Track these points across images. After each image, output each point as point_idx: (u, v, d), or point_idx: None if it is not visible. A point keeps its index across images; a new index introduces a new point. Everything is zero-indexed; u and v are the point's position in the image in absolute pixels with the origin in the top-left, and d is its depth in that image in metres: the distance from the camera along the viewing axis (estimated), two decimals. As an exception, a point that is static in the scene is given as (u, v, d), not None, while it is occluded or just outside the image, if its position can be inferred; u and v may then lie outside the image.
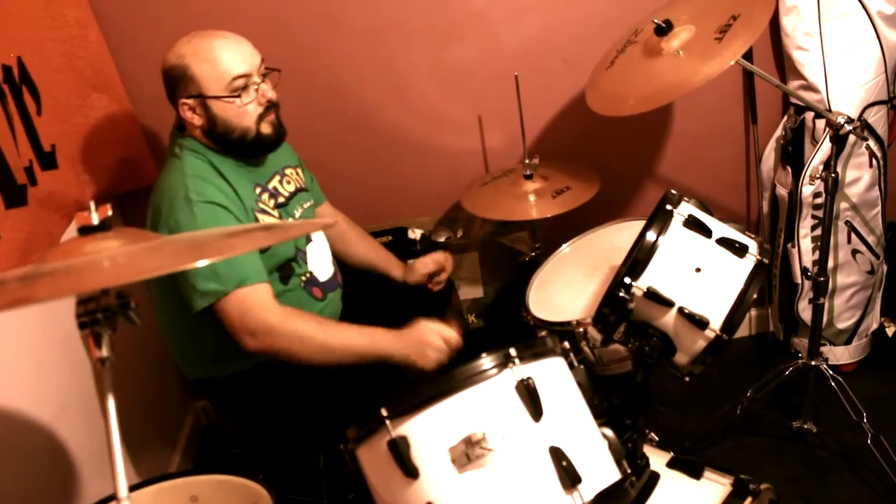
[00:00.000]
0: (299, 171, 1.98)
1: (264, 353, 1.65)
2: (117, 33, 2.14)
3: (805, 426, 2.14)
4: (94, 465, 1.82)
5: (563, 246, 2.07)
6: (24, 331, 1.71)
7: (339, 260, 2.06)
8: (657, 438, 1.92)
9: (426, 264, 2.11)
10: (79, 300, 0.93)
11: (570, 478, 1.14)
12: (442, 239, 2.39)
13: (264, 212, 1.78)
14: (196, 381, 1.91)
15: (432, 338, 1.70)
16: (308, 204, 1.96)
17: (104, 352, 0.92)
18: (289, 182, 1.90)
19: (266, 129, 1.73)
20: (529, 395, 1.18)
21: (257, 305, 1.64)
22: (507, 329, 2.31)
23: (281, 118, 1.78)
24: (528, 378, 1.19)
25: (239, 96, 1.67)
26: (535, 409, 1.17)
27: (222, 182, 1.70)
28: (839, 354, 2.43)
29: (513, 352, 1.20)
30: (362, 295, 2.06)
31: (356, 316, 1.84)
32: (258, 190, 1.80)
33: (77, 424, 1.79)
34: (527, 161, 2.15)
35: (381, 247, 2.20)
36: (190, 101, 1.68)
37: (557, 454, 1.15)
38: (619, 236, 2.00)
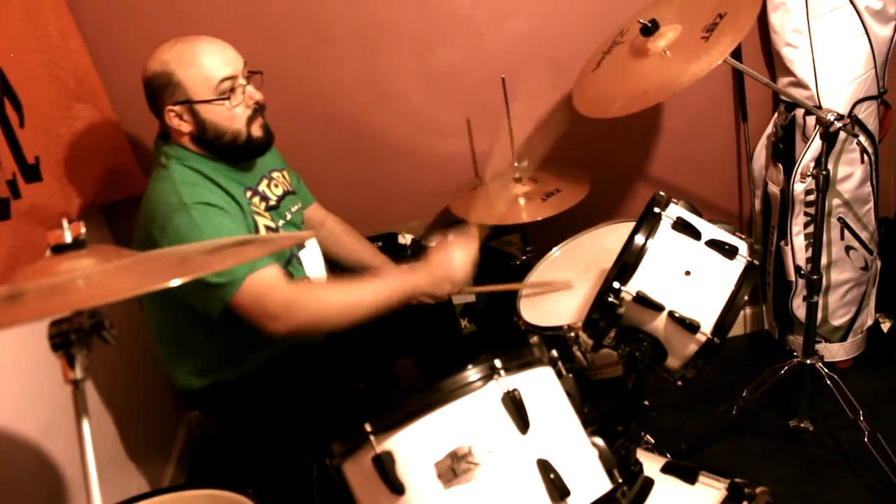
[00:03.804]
0: (285, 173, 1.96)
1: (292, 333, 1.62)
2: (99, 42, 2.13)
3: (801, 425, 2.12)
4: (81, 483, 1.79)
5: (554, 249, 2.06)
6: (8, 346, 1.69)
7: (336, 263, 2.04)
8: (653, 441, 1.90)
9: None
10: (51, 321, 0.91)
11: (558, 491, 1.12)
12: (433, 244, 2.37)
13: (258, 214, 1.76)
14: (191, 392, 1.87)
15: (451, 266, 1.76)
16: (296, 207, 1.95)
17: (78, 374, 0.90)
18: (276, 185, 1.89)
19: (257, 131, 1.73)
20: (516, 407, 1.16)
21: (270, 286, 1.62)
22: (499, 333, 2.29)
23: (266, 121, 1.76)
24: (515, 390, 1.17)
25: (228, 98, 1.66)
26: (522, 422, 1.15)
27: (214, 186, 1.69)
28: (834, 351, 2.42)
29: (498, 363, 1.18)
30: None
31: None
32: (248, 193, 1.78)
33: (64, 441, 1.77)
34: (516, 164, 2.13)
35: (378, 251, 2.19)
36: (177, 108, 1.66)
37: (545, 467, 1.14)
38: (610, 238, 1.98)
